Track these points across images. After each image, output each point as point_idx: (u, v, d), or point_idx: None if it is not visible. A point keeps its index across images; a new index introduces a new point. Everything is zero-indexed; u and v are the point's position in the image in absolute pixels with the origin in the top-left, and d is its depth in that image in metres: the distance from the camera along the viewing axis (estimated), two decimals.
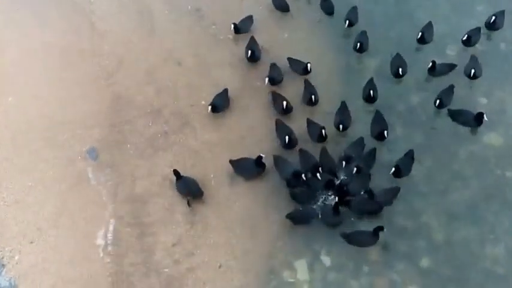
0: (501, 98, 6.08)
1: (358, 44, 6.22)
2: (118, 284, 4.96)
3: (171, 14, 6.68)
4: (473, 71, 6.03)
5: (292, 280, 5.00)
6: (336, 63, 6.28)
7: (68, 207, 5.32)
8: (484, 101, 6.04)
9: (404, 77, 6.19)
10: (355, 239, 5.07)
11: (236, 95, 6.08)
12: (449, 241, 5.18)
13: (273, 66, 6.10)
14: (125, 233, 5.21)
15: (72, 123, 5.84)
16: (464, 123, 5.83)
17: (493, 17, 6.35)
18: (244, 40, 6.35)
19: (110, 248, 5.12)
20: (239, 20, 6.41)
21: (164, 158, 5.65)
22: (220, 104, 5.90)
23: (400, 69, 6.06)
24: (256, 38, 6.29)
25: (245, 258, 5.10)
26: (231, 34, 6.46)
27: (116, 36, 6.50)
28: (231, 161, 5.49)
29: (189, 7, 6.71)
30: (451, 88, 5.96)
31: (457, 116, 5.86)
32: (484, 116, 5.67)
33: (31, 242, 5.13)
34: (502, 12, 6.42)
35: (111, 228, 5.23)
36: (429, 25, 6.36)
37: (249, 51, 6.15)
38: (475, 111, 5.88)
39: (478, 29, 6.34)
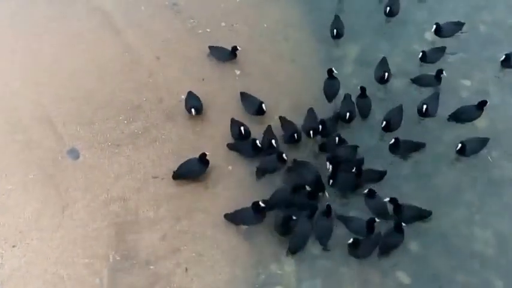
0: (482, 80, 6.08)
1: (335, 31, 6.18)
2: (103, 283, 4.86)
3: (147, 9, 6.63)
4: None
5: (280, 272, 4.95)
6: (316, 51, 6.25)
7: (50, 209, 5.22)
8: (467, 83, 6.04)
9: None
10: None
11: (217, 89, 6.02)
12: (437, 225, 5.14)
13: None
14: (109, 231, 5.12)
15: (50, 122, 5.74)
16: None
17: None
18: (223, 33, 6.30)
19: (93, 247, 5.04)
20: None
21: (146, 154, 5.58)
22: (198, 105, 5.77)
23: (386, 74, 5.90)
24: (236, 29, 6.24)
25: (232, 251, 5.04)
26: (209, 28, 6.40)
27: (92, 33, 6.41)
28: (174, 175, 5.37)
29: (166, 2, 6.66)
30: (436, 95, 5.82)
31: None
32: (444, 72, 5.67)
33: (13, 246, 5.02)
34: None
35: (94, 227, 5.13)
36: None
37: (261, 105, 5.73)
38: (460, 93, 5.92)
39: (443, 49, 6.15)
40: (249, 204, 5.12)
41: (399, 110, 5.66)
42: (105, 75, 6.09)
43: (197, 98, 5.80)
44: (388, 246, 4.95)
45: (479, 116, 5.69)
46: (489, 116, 5.79)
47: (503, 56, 6.05)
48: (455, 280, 4.87)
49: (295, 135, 5.54)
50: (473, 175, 5.45)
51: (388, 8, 6.36)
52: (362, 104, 5.77)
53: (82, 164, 5.49)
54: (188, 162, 5.40)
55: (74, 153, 5.58)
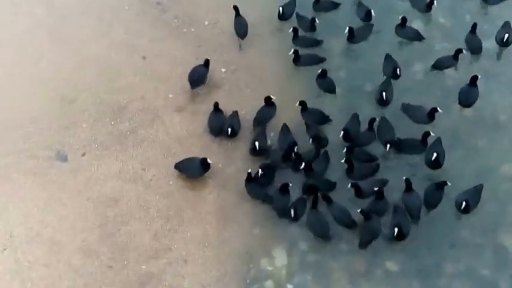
0: (469, 69, 6.06)
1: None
2: (95, 284, 4.88)
3: (131, 8, 6.63)
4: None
5: (270, 267, 4.96)
6: None
7: (39, 212, 5.22)
8: (452, 72, 6.05)
9: (371, 57, 6.18)
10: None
11: (204, 87, 6.00)
12: (423, 215, 5.13)
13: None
14: (99, 232, 5.13)
15: (37, 125, 5.74)
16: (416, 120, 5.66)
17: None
18: (207, 31, 6.31)
19: (84, 248, 5.05)
20: None
21: (134, 154, 5.59)
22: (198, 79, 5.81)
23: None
24: (220, 26, 6.24)
25: (223, 248, 5.06)
26: (193, 27, 6.40)
27: (78, 34, 6.41)
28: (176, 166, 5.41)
29: (150, 1, 6.64)
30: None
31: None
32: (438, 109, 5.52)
33: (4, 249, 5.04)
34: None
35: (85, 228, 5.14)
36: None
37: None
38: (445, 82, 5.95)
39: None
40: (239, 202, 5.19)
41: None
42: (90, 75, 6.09)
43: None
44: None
45: (477, 94, 5.72)
46: (475, 104, 5.79)
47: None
48: (442, 269, 4.89)
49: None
50: (461, 164, 5.46)
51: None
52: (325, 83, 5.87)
53: (70, 166, 5.50)
54: (191, 160, 5.40)
55: (62, 156, 5.58)
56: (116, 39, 6.37)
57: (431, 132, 5.39)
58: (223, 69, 6.17)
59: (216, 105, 5.65)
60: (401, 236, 4.91)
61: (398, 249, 5.00)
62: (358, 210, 5.00)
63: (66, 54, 6.25)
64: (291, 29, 6.13)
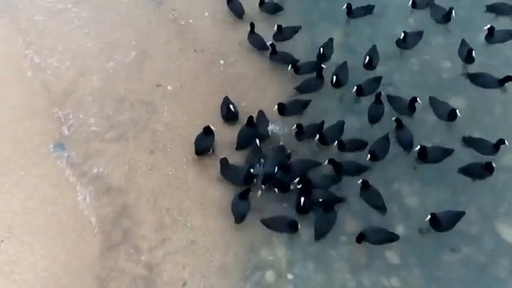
0: (465, 64, 6.14)
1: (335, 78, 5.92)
2: (95, 275, 4.85)
3: (129, 1, 6.62)
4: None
5: (271, 256, 4.97)
6: (300, 38, 6.32)
7: (39, 203, 5.19)
8: (447, 64, 6.14)
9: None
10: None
11: (202, 79, 6.03)
12: (422, 206, 5.21)
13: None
14: (98, 223, 5.11)
15: (33, 117, 5.71)
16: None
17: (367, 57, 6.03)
18: (206, 23, 6.32)
19: (85, 238, 5.02)
20: None
21: (133, 145, 5.58)
22: None
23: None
24: (219, 18, 6.28)
25: (223, 238, 5.06)
26: (191, 19, 6.40)
27: (73, 28, 6.39)
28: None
29: None
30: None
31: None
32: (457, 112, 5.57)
33: (2, 241, 4.99)
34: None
35: (84, 221, 5.12)
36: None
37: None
38: (441, 75, 6.04)
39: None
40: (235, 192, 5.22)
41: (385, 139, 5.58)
42: (88, 68, 6.08)
43: None
44: None
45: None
46: (469, 96, 5.89)
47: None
48: (442, 258, 4.94)
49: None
50: (457, 156, 5.49)
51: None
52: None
53: (69, 158, 5.47)
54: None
55: (60, 148, 5.54)
56: (112, 31, 6.36)
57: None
58: (221, 61, 6.20)
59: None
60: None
61: (398, 239, 5.04)
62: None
63: (64, 47, 6.23)
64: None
